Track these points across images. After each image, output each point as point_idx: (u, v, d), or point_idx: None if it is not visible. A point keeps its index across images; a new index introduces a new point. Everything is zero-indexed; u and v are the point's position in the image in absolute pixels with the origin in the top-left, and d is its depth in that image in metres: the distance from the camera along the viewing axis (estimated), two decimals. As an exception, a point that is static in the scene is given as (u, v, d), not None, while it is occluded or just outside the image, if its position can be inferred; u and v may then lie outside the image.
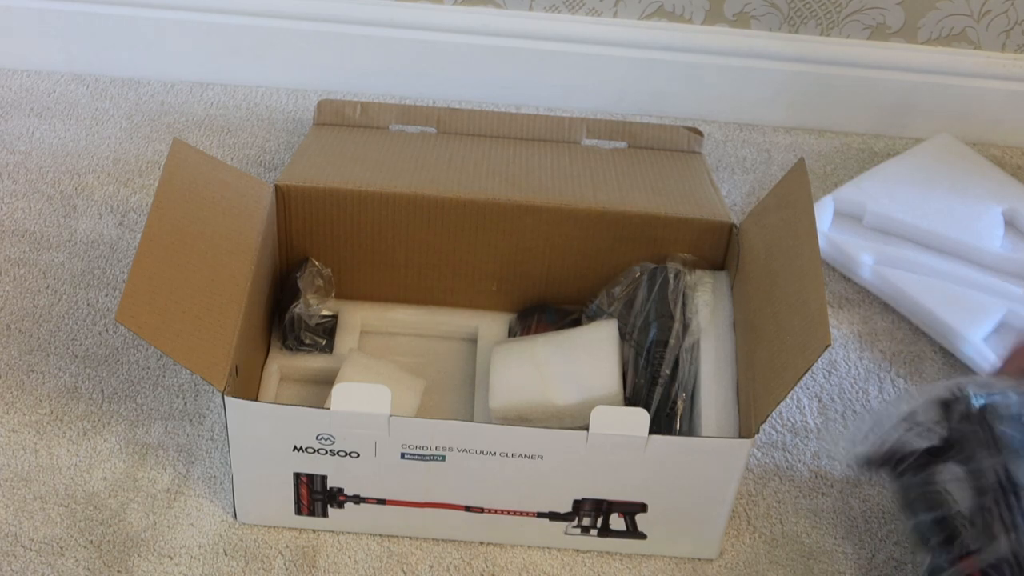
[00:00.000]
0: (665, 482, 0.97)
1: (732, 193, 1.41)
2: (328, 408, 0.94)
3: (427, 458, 0.96)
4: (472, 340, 1.18)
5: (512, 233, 1.14)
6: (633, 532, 1.02)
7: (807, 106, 1.49)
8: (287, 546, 1.02)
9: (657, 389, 1.06)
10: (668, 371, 1.07)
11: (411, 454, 0.96)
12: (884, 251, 1.29)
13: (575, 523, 1.01)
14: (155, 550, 1.01)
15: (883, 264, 1.28)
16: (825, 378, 1.20)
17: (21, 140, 1.41)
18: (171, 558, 1.01)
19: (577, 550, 1.04)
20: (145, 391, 1.14)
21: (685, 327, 1.08)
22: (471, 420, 1.10)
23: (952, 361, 1.22)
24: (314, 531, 1.03)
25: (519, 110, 1.49)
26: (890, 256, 1.29)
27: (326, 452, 0.96)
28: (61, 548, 1.01)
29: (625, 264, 1.14)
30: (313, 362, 1.13)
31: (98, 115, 1.45)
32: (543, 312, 1.17)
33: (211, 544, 1.02)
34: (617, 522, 1.01)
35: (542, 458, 0.95)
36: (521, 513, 1.01)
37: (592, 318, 1.13)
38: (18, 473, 1.06)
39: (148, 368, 1.15)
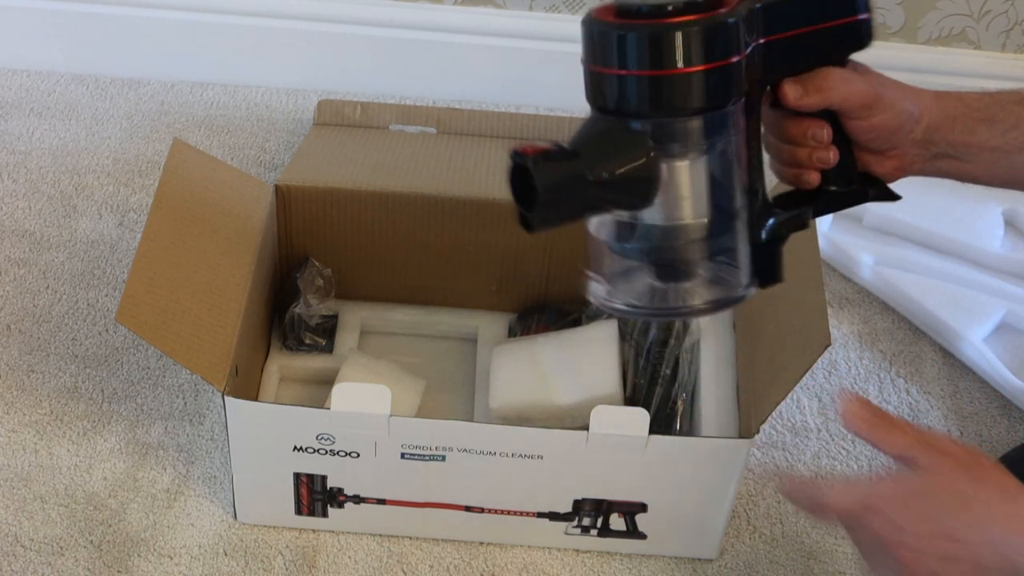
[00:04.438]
0: (665, 482, 0.97)
1: (732, 193, 1.40)
2: (328, 408, 0.94)
3: (427, 458, 0.96)
4: (472, 340, 1.18)
5: (512, 233, 1.13)
6: (633, 532, 1.01)
7: (807, 106, 1.49)
8: (287, 546, 1.02)
9: (657, 389, 1.06)
10: (668, 371, 1.07)
11: (411, 454, 0.96)
12: (884, 251, 1.29)
13: (575, 523, 1.01)
14: (155, 550, 1.01)
15: (883, 264, 1.28)
16: (825, 378, 1.20)
17: (21, 140, 1.40)
18: (171, 558, 1.01)
19: (577, 550, 1.04)
20: (145, 391, 1.13)
21: (685, 327, 1.08)
22: (471, 420, 1.10)
23: (952, 361, 1.22)
24: (314, 531, 1.03)
25: (519, 110, 1.49)
26: (890, 256, 1.29)
27: (326, 452, 0.96)
28: (61, 548, 1.01)
29: (625, 264, 1.14)
30: (313, 362, 1.13)
31: (98, 115, 1.45)
32: (543, 312, 1.17)
33: (211, 544, 1.02)
34: (617, 522, 1.01)
35: (542, 458, 0.95)
36: (521, 513, 1.00)
37: (592, 318, 1.13)
38: (18, 473, 1.06)
39: (148, 368, 1.15)
